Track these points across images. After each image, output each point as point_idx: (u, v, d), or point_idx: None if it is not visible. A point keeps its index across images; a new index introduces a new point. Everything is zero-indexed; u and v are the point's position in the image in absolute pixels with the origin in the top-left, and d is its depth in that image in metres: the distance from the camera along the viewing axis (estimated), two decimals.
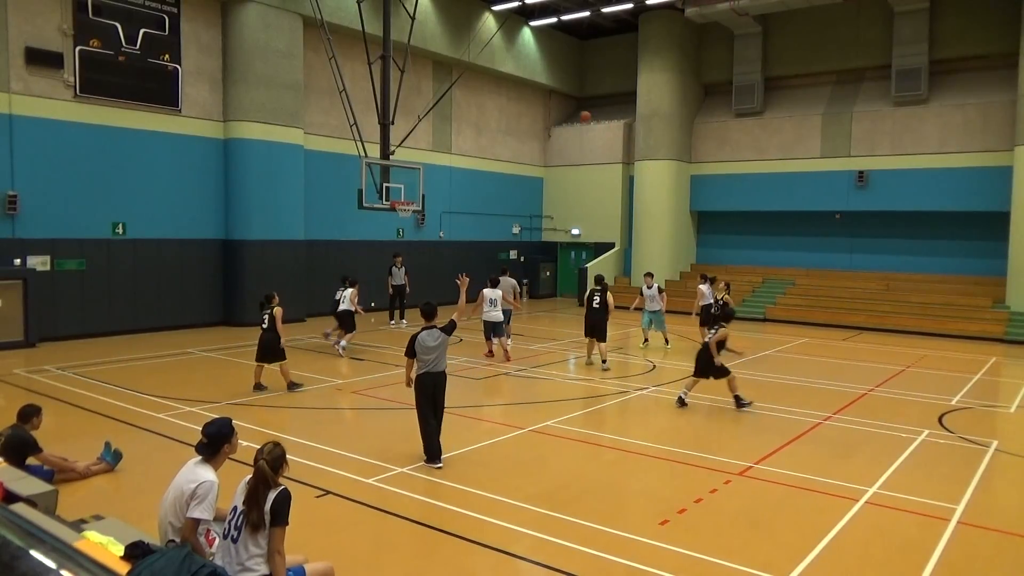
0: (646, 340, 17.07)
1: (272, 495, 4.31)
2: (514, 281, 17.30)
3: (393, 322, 20.09)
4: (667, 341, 17.22)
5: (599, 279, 14.63)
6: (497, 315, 14.61)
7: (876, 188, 22.82)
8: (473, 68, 24.38)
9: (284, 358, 11.60)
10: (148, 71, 17.19)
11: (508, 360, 14.54)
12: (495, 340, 14.84)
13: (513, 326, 19.58)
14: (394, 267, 19.77)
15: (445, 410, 10.60)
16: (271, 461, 4.38)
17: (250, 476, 4.39)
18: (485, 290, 14.77)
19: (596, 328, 14.10)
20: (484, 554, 5.87)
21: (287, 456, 4.52)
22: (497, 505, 6.85)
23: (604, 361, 14.04)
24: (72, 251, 16.19)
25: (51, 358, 13.94)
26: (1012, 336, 18.90)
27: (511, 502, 6.92)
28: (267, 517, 4.27)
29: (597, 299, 14.11)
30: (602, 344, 14.09)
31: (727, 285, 17.01)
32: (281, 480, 4.44)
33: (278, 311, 11.60)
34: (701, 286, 16.96)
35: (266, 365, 11.63)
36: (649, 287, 16.63)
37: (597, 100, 30.18)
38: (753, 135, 25.30)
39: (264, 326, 11.63)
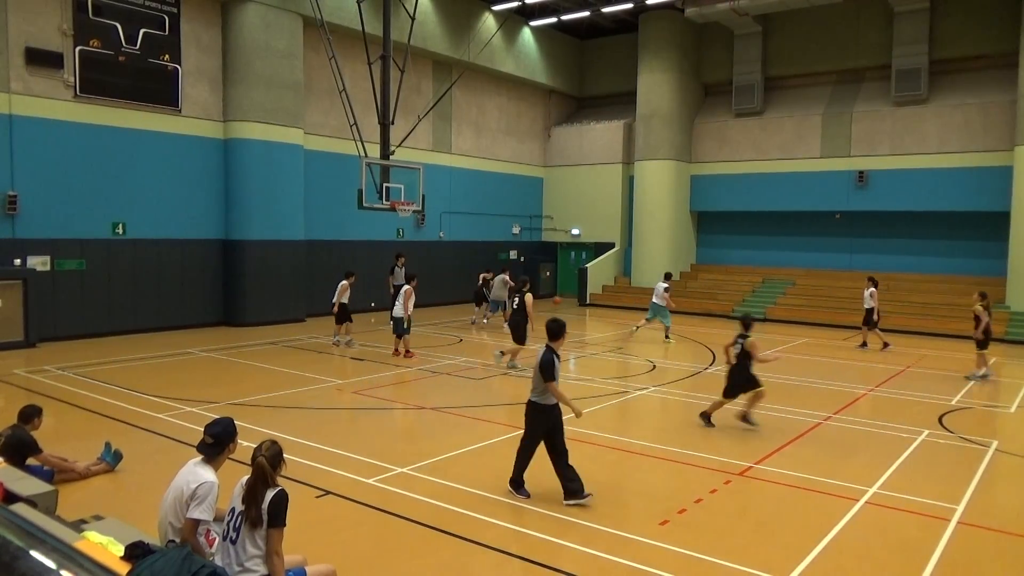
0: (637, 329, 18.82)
1: (270, 494, 4.31)
2: (504, 276, 19.19)
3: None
4: (667, 335, 18.23)
5: (523, 280, 14.76)
6: (396, 312, 14.68)
7: (876, 188, 22.83)
8: (473, 68, 24.38)
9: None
10: (148, 71, 17.18)
11: (407, 357, 14.55)
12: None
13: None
14: (396, 267, 19.81)
15: (447, 410, 10.67)
16: (270, 458, 4.39)
17: (247, 476, 4.39)
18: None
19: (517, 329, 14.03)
20: (484, 554, 5.87)
21: (284, 455, 4.53)
22: (497, 505, 6.85)
23: (507, 357, 13.92)
24: (72, 251, 16.19)
25: (51, 358, 13.94)
26: (1012, 336, 18.90)
27: (511, 502, 6.93)
28: (264, 516, 4.28)
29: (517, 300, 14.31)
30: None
31: (982, 296, 14.09)
32: (279, 480, 4.44)
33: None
34: (866, 291, 17.26)
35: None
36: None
37: (597, 100, 30.20)
38: (753, 135, 25.30)
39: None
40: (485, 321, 20.46)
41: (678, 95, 25.73)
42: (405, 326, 14.57)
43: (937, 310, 20.56)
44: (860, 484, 7.57)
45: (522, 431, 7.21)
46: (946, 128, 21.86)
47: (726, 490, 7.42)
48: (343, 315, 15.91)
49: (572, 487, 6.87)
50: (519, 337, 13.86)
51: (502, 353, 14.11)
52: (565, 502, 6.82)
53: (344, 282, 16.03)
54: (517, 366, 13.68)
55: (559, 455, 6.97)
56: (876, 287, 17.38)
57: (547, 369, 6.85)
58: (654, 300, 18.23)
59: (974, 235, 22.04)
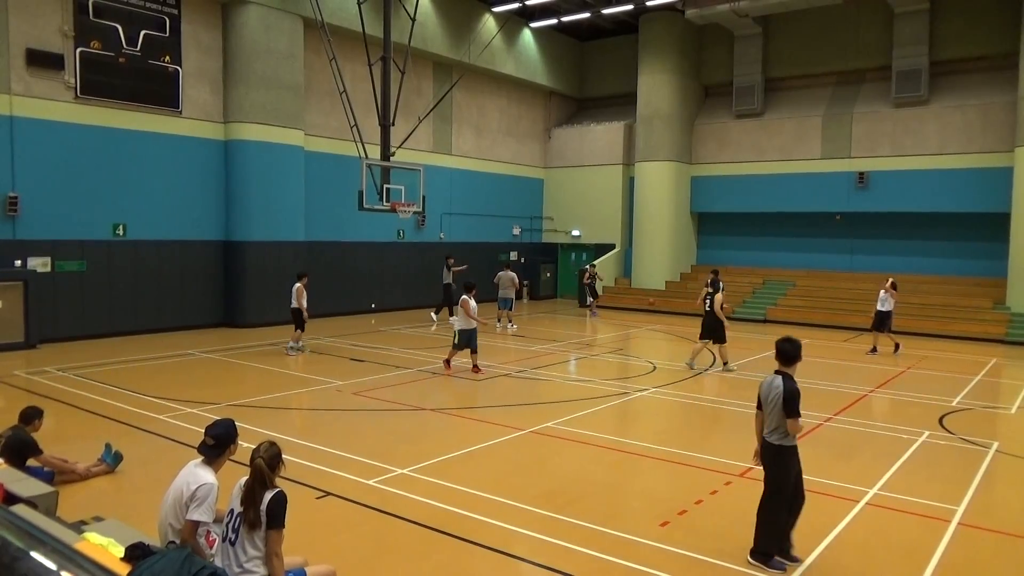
0: None
1: (268, 496, 4.30)
2: (511, 275, 20.15)
3: (436, 316, 21.17)
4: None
5: (713, 279, 14.65)
6: (455, 324, 13.75)
7: (876, 189, 22.83)
8: (473, 69, 24.40)
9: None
10: (149, 72, 17.20)
11: (473, 371, 13.38)
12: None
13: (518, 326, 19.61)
14: (445, 267, 20.89)
15: (447, 411, 10.66)
16: (268, 459, 4.38)
17: (246, 477, 4.39)
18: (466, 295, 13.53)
19: (708, 329, 14.25)
20: (485, 555, 5.86)
21: (283, 456, 4.52)
22: (498, 506, 6.85)
23: (725, 363, 14.28)
24: (73, 252, 16.20)
25: (51, 359, 13.94)
26: (1013, 337, 18.89)
27: (512, 503, 6.92)
28: (263, 518, 4.27)
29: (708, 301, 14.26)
30: (720, 346, 14.26)
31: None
32: (278, 481, 4.44)
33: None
34: (882, 292, 16.64)
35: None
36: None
37: (597, 101, 30.21)
38: (753, 136, 25.31)
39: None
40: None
41: (678, 96, 25.74)
42: (457, 340, 13.28)
43: (937, 311, 20.56)
44: (861, 485, 7.57)
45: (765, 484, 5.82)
46: (946, 129, 21.87)
47: (727, 491, 7.42)
48: (298, 319, 15.02)
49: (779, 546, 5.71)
50: (720, 336, 14.09)
51: (725, 364, 14.27)
52: (749, 559, 5.76)
53: (298, 284, 15.04)
54: (733, 368, 14.19)
55: (792, 509, 5.78)
56: (895, 289, 16.64)
57: (793, 402, 5.54)
58: None
59: (974, 236, 22.04)
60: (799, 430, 5.63)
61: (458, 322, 13.46)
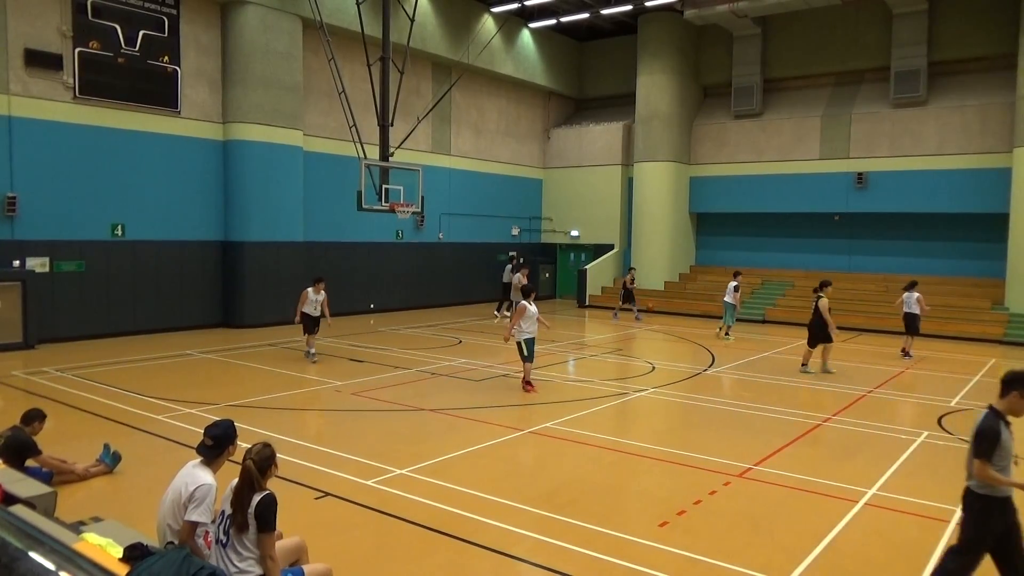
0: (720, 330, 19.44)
1: (256, 499, 4.26)
2: (520, 276, 20.37)
3: (498, 316, 21.95)
4: (727, 333, 19.19)
5: (820, 284, 14.56)
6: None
7: (875, 190, 22.85)
8: (472, 70, 24.39)
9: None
10: (147, 73, 17.19)
11: (524, 389, 12.17)
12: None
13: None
14: (509, 266, 22.18)
15: (446, 412, 10.64)
16: (259, 461, 4.33)
17: (237, 479, 4.37)
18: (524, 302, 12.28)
19: (816, 334, 14.19)
20: (483, 556, 5.86)
21: (277, 457, 4.49)
22: (496, 507, 6.85)
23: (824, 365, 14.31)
24: (71, 253, 16.18)
25: (50, 360, 13.93)
26: (1011, 337, 18.91)
27: (511, 504, 6.92)
28: (251, 521, 4.23)
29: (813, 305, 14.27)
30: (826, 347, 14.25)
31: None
32: (271, 483, 4.40)
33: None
34: (905, 294, 16.56)
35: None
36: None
37: (596, 102, 30.22)
38: (752, 137, 25.32)
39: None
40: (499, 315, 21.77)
41: (677, 97, 25.75)
42: (524, 352, 12.06)
43: (936, 312, 20.52)
44: (859, 486, 7.57)
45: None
46: (945, 130, 21.89)
47: (725, 492, 7.42)
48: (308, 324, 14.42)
49: None
50: (820, 339, 14.04)
51: (805, 365, 14.30)
52: None
53: (308, 288, 14.61)
54: (809, 369, 14.26)
55: (1016, 570, 4.61)
56: (907, 290, 16.47)
57: (983, 440, 4.56)
58: (726, 299, 19.07)
59: (973, 237, 22.06)
60: (986, 477, 4.53)
61: (519, 332, 12.11)
